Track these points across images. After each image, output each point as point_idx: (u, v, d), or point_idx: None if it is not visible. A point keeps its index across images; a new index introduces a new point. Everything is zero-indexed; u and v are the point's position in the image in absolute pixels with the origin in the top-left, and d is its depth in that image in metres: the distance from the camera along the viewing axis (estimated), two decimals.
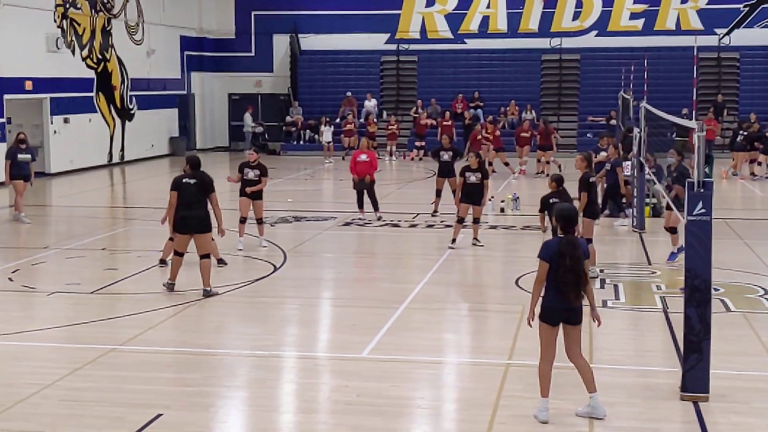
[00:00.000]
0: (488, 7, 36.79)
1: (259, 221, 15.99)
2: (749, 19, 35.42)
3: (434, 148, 22.11)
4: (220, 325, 11.37)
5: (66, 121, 28.90)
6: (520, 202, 20.33)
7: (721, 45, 35.16)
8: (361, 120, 35.19)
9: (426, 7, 37.14)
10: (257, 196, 15.86)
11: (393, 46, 37.29)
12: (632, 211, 18.09)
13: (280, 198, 22.27)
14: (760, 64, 35.11)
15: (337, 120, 34.84)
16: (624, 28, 36.17)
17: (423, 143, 33.11)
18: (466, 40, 37.01)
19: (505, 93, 35.67)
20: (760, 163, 27.11)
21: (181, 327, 11.26)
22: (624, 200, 19.11)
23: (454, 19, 37.02)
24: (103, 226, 19.22)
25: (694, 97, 14.69)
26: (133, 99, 33.18)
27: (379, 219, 18.95)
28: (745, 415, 8.14)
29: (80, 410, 8.26)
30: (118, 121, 32.24)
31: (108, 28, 31.60)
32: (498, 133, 28.53)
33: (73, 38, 29.49)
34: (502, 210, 20.10)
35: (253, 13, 38.18)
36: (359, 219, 19.05)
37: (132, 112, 33.12)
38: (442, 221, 18.72)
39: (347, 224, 18.76)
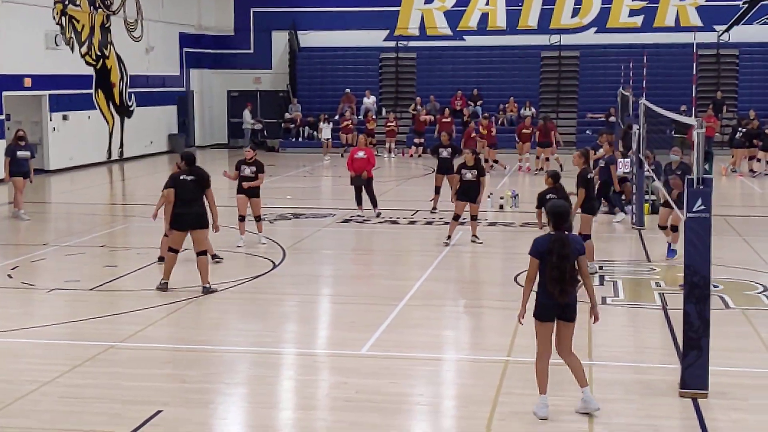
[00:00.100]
0: (487, 4, 36.78)
1: (257, 219, 15.99)
2: (748, 15, 35.42)
3: (433, 145, 22.12)
4: (219, 321, 11.37)
5: (65, 118, 28.90)
6: (519, 199, 20.34)
7: (721, 42, 35.16)
8: (360, 117, 35.18)
9: (425, 3, 37.12)
10: (254, 193, 15.85)
11: (392, 43, 37.27)
12: (631, 208, 18.10)
13: (279, 195, 22.27)
14: (759, 60, 35.12)
15: (336, 117, 34.83)
16: (623, 24, 36.17)
17: (422, 140, 33.10)
18: (465, 36, 37.00)
19: (504, 90, 35.65)
20: (759, 160, 27.12)
21: (181, 324, 11.27)
22: (623, 197, 19.11)
23: (453, 16, 37.02)
24: (103, 223, 19.23)
25: (694, 94, 14.68)
26: (132, 96, 33.16)
27: (378, 216, 18.96)
28: (744, 412, 8.14)
29: (80, 407, 8.26)
30: (117, 117, 32.23)
31: (107, 25, 31.58)
32: (493, 129, 28.46)
33: (72, 35, 29.47)
34: (501, 207, 20.11)
35: (252, 9, 38.16)
36: (358, 216, 19.05)
37: (131, 108, 33.11)
38: (441, 218, 18.72)
39: (346, 221, 18.76)
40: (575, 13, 36.42)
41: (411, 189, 24.34)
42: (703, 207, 8.28)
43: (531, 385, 8.15)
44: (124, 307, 11.86)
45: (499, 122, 34.69)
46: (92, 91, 30.72)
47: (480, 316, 11.81)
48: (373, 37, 37.23)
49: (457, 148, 20.29)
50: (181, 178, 12.46)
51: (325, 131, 33.45)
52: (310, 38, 37.79)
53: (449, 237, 15.99)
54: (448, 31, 37.08)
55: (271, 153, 34.77)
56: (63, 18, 28.89)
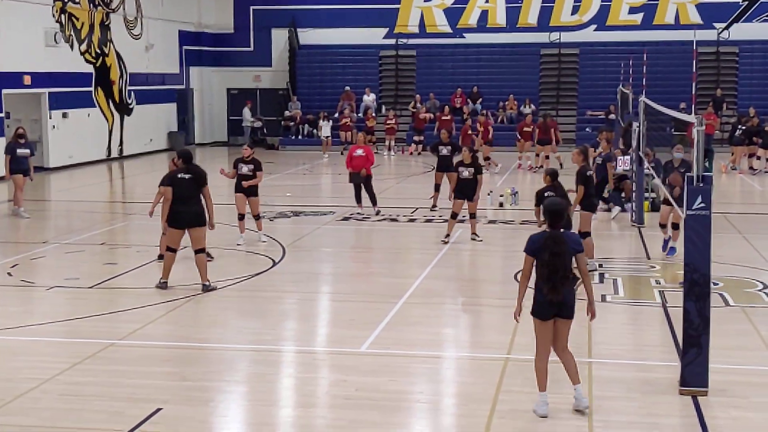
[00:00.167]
0: (487, 1, 36.77)
1: (256, 217, 15.97)
2: (748, 13, 35.41)
3: (433, 142, 22.11)
4: (219, 319, 11.37)
5: (65, 115, 28.89)
6: (518, 196, 20.34)
7: (720, 39, 35.16)
8: (360, 115, 35.19)
9: (424, 1, 37.12)
10: (252, 192, 15.82)
11: (392, 41, 37.26)
12: (631, 206, 18.10)
13: (279, 193, 22.27)
14: (759, 58, 35.11)
15: (336, 114, 34.82)
16: (623, 22, 36.16)
17: (422, 138, 33.11)
18: (464, 34, 36.99)
19: (504, 87, 35.66)
20: (759, 158, 27.11)
21: (181, 321, 11.27)
22: (623, 195, 19.10)
23: (452, 14, 37.00)
24: (102, 221, 19.23)
25: (693, 92, 14.64)
26: (132, 93, 33.16)
27: (377, 213, 18.95)
28: (744, 410, 8.14)
29: (80, 405, 8.27)
30: (116, 115, 32.23)
31: (106, 23, 31.57)
32: (490, 127, 28.37)
33: (72, 33, 29.46)
34: (501, 204, 20.11)
35: (251, 7, 38.17)
36: (358, 214, 19.05)
37: (131, 106, 33.11)
38: (440, 216, 18.71)
39: (346, 219, 18.76)
40: (575, 10, 36.41)
41: (411, 187, 24.34)
42: (702, 204, 8.28)
43: (531, 383, 8.15)
44: (124, 305, 11.86)
45: (499, 120, 34.72)
46: (92, 88, 30.72)
47: (480, 314, 11.81)
48: (373, 35, 37.22)
49: (457, 146, 20.26)
50: (179, 176, 12.44)
51: (325, 129, 33.44)
52: (310, 36, 37.77)
53: (447, 236, 15.98)
54: (448, 29, 37.06)
55: (271, 151, 34.79)
56: (62, 16, 28.87)
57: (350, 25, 37.20)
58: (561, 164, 26.74)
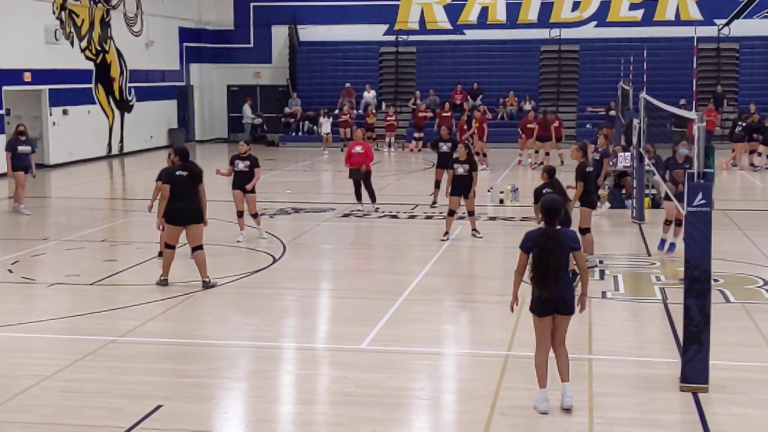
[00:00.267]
0: None
1: (254, 216, 15.92)
2: (749, 9, 35.37)
3: (433, 139, 22.10)
4: (219, 316, 11.37)
5: (65, 112, 28.88)
6: (519, 193, 20.33)
7: (721, 35, 35.12)
8: (360, 111, 35.18)
9: None
10: (250, 189, 15.77)
11: (392, 37, 37.24)
12: (631, 203, 18.10)
13: (279, 189, 22.26)
14: (760, 54, 35.09)
15: (336, 111, 34.81)
16: (623, 18, 36.13)
17: (422, 134, 33.09)
18: (465, 30, 36.97)
19: (504, 84, 35.65)
20: (760, 154, 27.09)
21: (181, 318, 11.27)
22: (624, 191, 19.09)
23: (453, 10, 36.98)
24: (103, 218, 19.23)
25: (694, 88, 14.63)
26: (132, 90, 33.14)
27: (376, 210, 18.94)
28: (745, 406, 8.14)
29: (80, 401, 8.27)
30: (117, 112, 32.22)
31: (107, 20, 31.55)
32: (485, 124, 28.28)
33: (72, 30, 29.44)
34: (502, 201, 20.11)
35: (251, 4, 38.14)
36: (358, 210, 19.04)
37: (131, 103, 33.10)
38: (441, 213, 18.68)
39: (346, 215, 18.76)
40: (575, 6, 36.38)
41: (411, 183, 24.32)
42: (703, 201, 8.28)
43: (531, 380, 8.15)
44: (125, 302, 11.87)
45: (499, 116, 34.72)
46: (92, 85, 30.71)
47: (480, 311, 11.81)
48: (373, 32, 37.20)
49: (457, 143, 20.26)
50: (178, 173, 12.44)
51: (325, 126, 33.44)
52: (310, 32, 37.76)
53: (447, 233, 15.97)
54: (448, 25, 37.04)
55: (271, 147, 34.80)
56: (63, 12, 28.86)
57: (350, 22, 37.18)
58: (562, 161, 26.78)
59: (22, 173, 19.24)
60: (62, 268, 13.93)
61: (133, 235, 17.20)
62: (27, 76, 27.11)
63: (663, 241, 14.68)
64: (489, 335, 10.51)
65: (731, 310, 11.29)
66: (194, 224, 12.40)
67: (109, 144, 31.76)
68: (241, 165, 15.73)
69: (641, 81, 21.24)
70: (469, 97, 34.96)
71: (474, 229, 16.12)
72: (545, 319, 7.95)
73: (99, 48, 31.07)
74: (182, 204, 12.31)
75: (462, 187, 15.79)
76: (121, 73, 32.49)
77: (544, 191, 12.39)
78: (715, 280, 11.67)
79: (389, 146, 33.21)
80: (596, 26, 36.28)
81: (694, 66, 14.41)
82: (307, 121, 35.82)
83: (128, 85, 32.88)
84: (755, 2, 35.27)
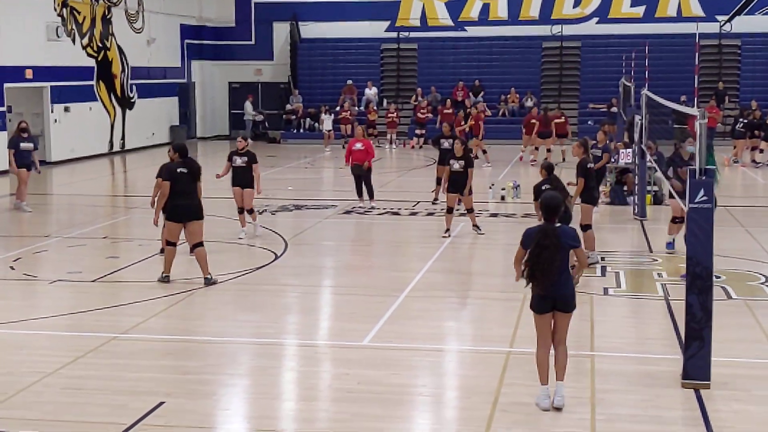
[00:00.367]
0: None
1: (249, 211, 15.85)
2: (750, 6, 35.32)
3: (434, 135, 22.09)
4: (221, 313, 11.37)
5: (66, 109, 28.88)
6: (520, 189, 20.32)
7: (723, 32, 35.08)
8: (361, 108, 35.16)
9: None
10: (247, 184, 15.72)
11: (393, 34, 37.21)
12: (633, 199, 18.09)
13: (281, 186, 22.26)
14: (762, 51, 35.03)
15: (337, 108, 34.80)
16: (625, 15, 36.10)
17: (423, 131, 33.07)
18: (466, 27, 36.93)
19: (506, 81, 35.61)
20: (761, 151, 27.07)
21: (183, 315, 11.28)
22: (626, 188, 19.08)
23: (454, 7, 36.95)
24: (105, 215, 19.24)
25: (696, 85, 14.63)
26: (134, 87, 33.14)
27: (372, 208, 18.87)
28: (747, 403, 8.14)
29: (82, 398, 8.28)
30: (118, 109, 32.21)
31: (108, 17, 31.54)
32: (481, 122, 28.20)
33: (74, 27, 29.44)
34: (503, 198, 20.10)
35: (252, 1, 38.11)
36: (359, 207, 19.04)
37: (132, 100, 33.09)
38: (442, 209, 18.66)
39: (347, 212, 18.76)
40: (577, 3, 36.34)
41: (412, 180, 24.32)
42: (705, 197, 8.28)
43: (533, 377, 8.15)
44: (127, 299, 11.87)
45: (500, 113, 34.70)
46: (94, 82, 30.70)
47: (482, 308, 11.81)
48: (375, 28, 37.18)
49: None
50: (179, 171, 12.43)
51: (327, 122, 33.42)
52: (311, 29, 37.74)
53: (448, 230, 15.97)
54: (449, 22, 37.01)
55: (273, 144, 34.80)
56: (64, 9, 28.85)
57: (352, 19, 37.16)
58: (564, 158, 26.77)
59: (25, 170, 19.24)
60: (64, 265, 13.94)
61: (134, 232, 17.20)
62: (28, 73, 27.11)
63: (670, 244, 14.50)
64: (490, 332, 10.51)
65: (733, 307, 11.29)
66: (194, 221, 12.40)
67: (111, 141, 31.76)
68: (239, 161, 15.72)
69: (643, 78, 21.24)
70: (470, 93, 34.94)
71: (475, 225, 16.11)
72: (545, 316, 7.96)
73: (100, 45, 31.06)
74: (183, 201, 12.32)
75: (458, 184, 15.78)
76: (123, 70, 32.48)
77: (543, 187, 12.41)
78: (717, 277, 11.67)
79: (390, 143, 33.20)
80: (598, 23, 36.24)
81: (696, 62, 14.41)
82: (308, 118, 35.82)
83: (130, 82, 32.87)
84: None
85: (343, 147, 30.30)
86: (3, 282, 13.02)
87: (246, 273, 13.35)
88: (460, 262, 14.68)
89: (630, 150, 19.12)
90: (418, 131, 33.35)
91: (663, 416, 7.84)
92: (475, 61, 36.33)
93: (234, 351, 9.79)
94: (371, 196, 19.12)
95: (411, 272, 13.31)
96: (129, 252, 15.04)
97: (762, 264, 13.68)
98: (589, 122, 32.88)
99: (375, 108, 34.62)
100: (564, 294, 7.91)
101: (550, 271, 7.79)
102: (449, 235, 15.86)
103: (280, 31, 37.84)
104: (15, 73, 26.48)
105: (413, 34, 37.06)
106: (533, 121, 28.01)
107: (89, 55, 30.45)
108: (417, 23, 37.15)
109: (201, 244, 12.48)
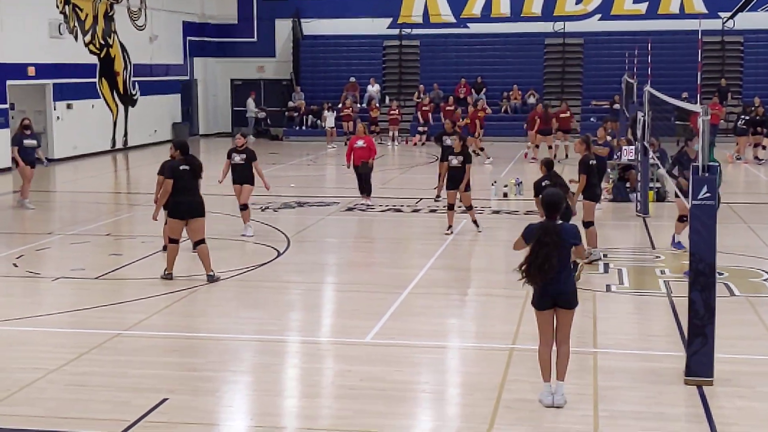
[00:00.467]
0: None
1: (244, 207, 15.68)
2: (753, 2, 35.28)
3: (437, 132, 22.08)
4: (224, 310, 11.38)
5: (69, 107, 28.90)
6: (523, 186, 20.31)
7: (725, 29, 35.05)
8: (364, 105, 35.16)
9: None
10: (246, 180, 15.67)
11: (395, 31, 37.20)
12: (636, 196, 18.08)
13: (283, 183, 22.26)
14: (764, 47, 35.00)
15: (340, 105, 34.80)
16: (628, 11, 36.07)
17: (425, 128, 33.06)
18: (468, 24, 36.92)
19: (508, 77, 35.60)
20: (764, 147, 27.05)
21: (186, 312, 11.29)
22: (628, 185, 19.07)
23: (456, 3, 36.92)
24: (107, 212, 19.25)
25: (699, 82, 14.58)
26: (136, 85, 33.15)
27: (368, 206, 18.84)
28: (750, 399, 8.14)
29: (86, 395, 8.29)
30: (121, 106, 32.23)
31: (110, 14, 31.54)
32: (477, 120, 28.12)
33: (76, 24, 29.45)
34: (505, 195, 20.10)
35: None
36: (362, 204, 19.04)
37: (135, 97, 33.11)
38: (444, 206, 18.64)
39: (350, 209, 18.76)
40: (579, 0, 36.30)
41: (415, 177, 24.32)
42: (708, 194, 8.27)
43: (536, 373, 8.14)
44: (130, 296, 11.89)
45: (503, 110, 34.69)
46: (96, 80, 30.72)
47: (484, 304, 11.80)
48: (377, 25, 37.17)
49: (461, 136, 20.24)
50: (181, 168, 12.44)
51: (329, 120, 33.42)
52: (314, 26, 37.73)
53: (450, 227, 15.96)
54: (452, 19, 37.00)
55: (275, 141, 34.81)
56: (67, 7, 28.86)
57: (354, 16, 37.15)
58: (567, 154, 26.76)
59: (29, 168, 19.26)
60: (67, 262, 13.95)
61: (137, 229, 17.21)
62: (31, 71, 27.12)
63: (679, 243, 14.44)
64: (493, 328, 10.51)
65: (736, 304, 11.29)
66: (197, 218, 12.41)
67: (113, 138, 31.78)
68: (238, 158, 15.69)
69: (645, 74, 21.19)
70: (472, 90, 34.92)
71: (474, 221, 16.07)
72: (546, 312, 7.95)
73: (103, 42, 31.07)
74: (185, 198, 12.32)
75: (457, 180, 15.78)
76: (125, 67, 32.50)
77: (543, 183, 12.41)
78: (720, 274, 11.64)
79: (393, 140, 33.19)
80: (600, 19, 36.21)
81: (699, 59, 14.37)
82: (310, 115, 35.81)
83: (132, 79, 32.89)
84: None
85: (346, 144, 30.35)
86: (6, 279, 13.03)
87: (248, 270, 13.36)
88: (463, 259, 14.68)
89: (633, 147, 19.10)
90: (420, 128, 33.35)
91: (666, 413, 7.84)
92: (478, 58, 36.31)
93: (237, 348, 9.80)
94: (369, 193, 19.11)
95: (413, 269, 13.31)
96: (132, 249, 15.06)
97: (765, 261, 13.67)
98: (592, 119, 32.85)
99: (377, 105, 34.61)
100: (565, 291, 7.91)
101: (546, 268, 7.77)
102: (451, 232, 15.86)
103: (283, 28, 37.83)
104: (17, 71, 26.49)
105: (415, 31, 37.04)
106: (538, 117, 27.95)
107: (92, 52, 30.46)
108: (419, 20, 37.13)
109: (203, 241, 12.49)
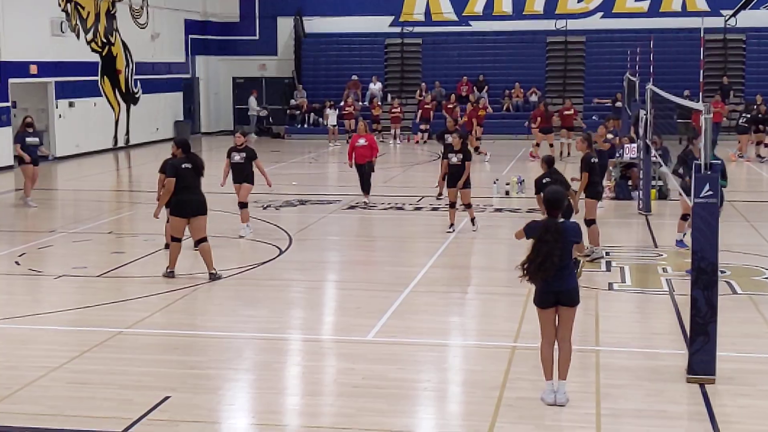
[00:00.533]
0: None
1: (242, 205, 15.59)
2: (755, 0, 35.23)
3: (439, 130, 22.08)
4: (225, 308, 11.38)
5: (71, 105, 28.91)
6: (525, 184, 20.30)
7: (727, 26, 35.00)
8: (365, 103, 35.14)
9: None
10: (246, 179, 15.63)
11: (397, 29, 37.18)
12: (638, 194, 18.07)
13: (285, 181, 22.26)
14: (766, 45, 34.97)
15: (342, 103, 34.79)
16: (629, 9, 36.03)
17: (427, 126, 33.05)
18: (470, 22, 36.90)
19: (510, 75, 35.58)
20: (766, 145, 27.02)
21: (188, 310, 11.29)
22: (630, 183, 19.05)
23: (458, 1, 36.90)
24: (110, 210, 19.26)
25: (701, 79, 14.57)
26: (138, 83, 33.16)
27: (365, 204, 18.82)
28: (752, 398, 8.14)
29: (88, 393, 8.29)
30: (123, 104, 32.23)
31: (112, 12, 31.55)
32: (474, 118, 28.02)
33: (78, 22, 29.45)
34: (507, 193, 20.09)
35: None
36: (363, 202, 19.04)
37: (137, 95, 33.11)
38: (446, 204, 18.65)
39: (352, 207, 18.76)
40: None
41: (417, 175, 24.33)
42: (710, 192, 8.26)
43: (538, 371, 8.15)
44: (132, 294, 11.90)
45: (504, 108, 34.67)
46: (98, 78, 30.72)
47: (486, 302, 11.80)
48: (379, 23, 37.16)
49: (463, 134, 20.22)
50: (184, 166, 12.44)
51: (331, 118, 33.42)
52: (316, 24, 37.71)
53: (452, 225, 15.95)
54: (454, 17, 36.97)
55: (277, 139, 34.81)
56: (68, 5, 28.86)
57: (356, 14, 37.15)
58: (569, 152, 26.73)
59: (31, 166, 19.27)
60: (69, 260, 13.96)
61: (139, 227, 17.21)
62: (33, 69, 27.13)
63: (681, 241, 14.43)
64: (495, 326, 10.51)
65: (738, 302, 11.28)
66: (199, 216, 12.41)
67: (115, 136, 31.78)
68: (237, 157, 15.64)
69: (648, 72, 21.18)
70: (474, 88, 34.90)
71: (471, 219, 16.04)
72: (548, 311, 7.94)
73: (105, 40, 31.07)
74: (187, 196, 12.32)
75: (456, 177, 15.76)
76: (127, 65, 32.50)
77: (544, 181, 12.41)
78: (722, 272, 11.65)
79: (395, 138, 33.18)
80: (602, 17, 36.18)
81: (701, 57, 14.36)
82: (312, 114, 35.81)
83: (134, 77, 32.89)
84: None
85: (348, 142, 30.34)
86: (8, 277, 13.04)
87: (250, 268, 13.36)
88: (465, 257, 14.67)
89: (635, 145, 19.09)
90: (422, 126, 33.33)
91: (668, 411, 7.83)
92: (480, 56, 36.29)
93: (239, 346, 9.80)
94: (367, 191, 19.09)
95: (415, 267, 13.31)
96: (134, 247, 15.06)
97: (767, 259, 13.65)
98: (594, 117, 32.82)
99: (379, 103, 34.60)
100: (567, 288, 7.90)
101: (547, 266, 7.76)
102: (453, 230, 15.86)
103: (285, 26, 37.82)
104: (19, 69, 26.50)
105: (417, 29, 37.02)
106: (539, 116, 27.93)
107: (93, 50, 30.47)
108: (421, 18, 37.11)
109: (205, 239, 12.49)
